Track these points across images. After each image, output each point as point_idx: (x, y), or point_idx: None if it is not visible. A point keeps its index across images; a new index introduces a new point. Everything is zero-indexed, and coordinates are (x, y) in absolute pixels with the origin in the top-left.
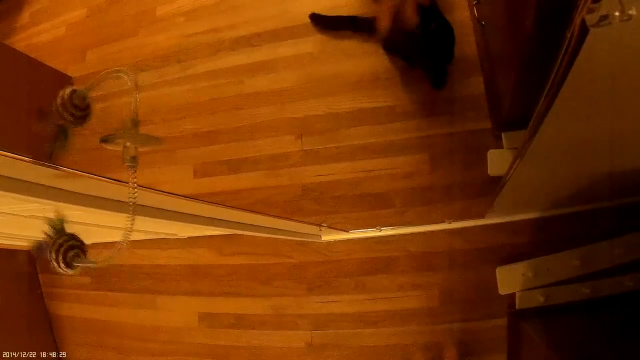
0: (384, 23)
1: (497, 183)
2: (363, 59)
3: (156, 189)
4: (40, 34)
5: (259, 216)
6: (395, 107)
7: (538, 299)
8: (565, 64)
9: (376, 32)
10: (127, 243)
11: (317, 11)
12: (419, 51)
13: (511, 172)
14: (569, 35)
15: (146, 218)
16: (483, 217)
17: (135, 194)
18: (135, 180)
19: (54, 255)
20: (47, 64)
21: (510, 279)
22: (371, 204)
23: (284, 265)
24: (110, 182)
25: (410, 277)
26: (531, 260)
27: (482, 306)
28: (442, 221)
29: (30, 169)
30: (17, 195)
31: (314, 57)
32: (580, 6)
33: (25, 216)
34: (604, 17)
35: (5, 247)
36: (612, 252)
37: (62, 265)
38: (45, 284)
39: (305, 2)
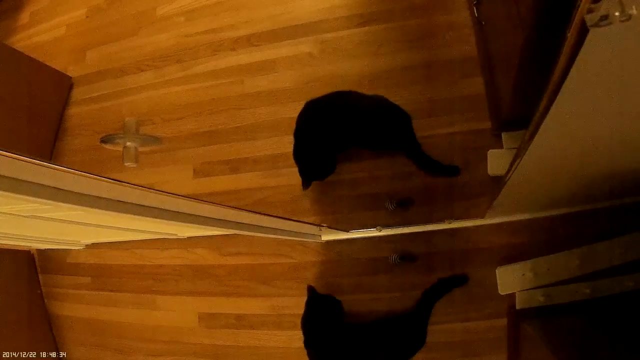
0: None
1: (497, 183)
2: (363, 59)
3: (156, 189)
4: (40, 34)
5: (259, 216)
6: None
7: (538, 299)
8: (565, 64)
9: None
10: None
11: (315, 11)
12: None
13: (511, 172)
14: (569, 35)
15: (146, 218)
16: (483, 217)
17: None
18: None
19: None
20: (47, 64)
21: (510, 279)
22: (371, 204)
23: (284, 265)
24: (110, 182)
25: (410, 277)
26: (531, 260)
27: (482, 306)
28: (442, 221)
29: (30, 169)
30: (17, 195)
31: (314, 57)
32: (580, 6)
33: (25, 216)
34: (604, 17)
35: (5, 247)
36: (612, 252)
37: None
38: (45, 284)
39: (305, 2)
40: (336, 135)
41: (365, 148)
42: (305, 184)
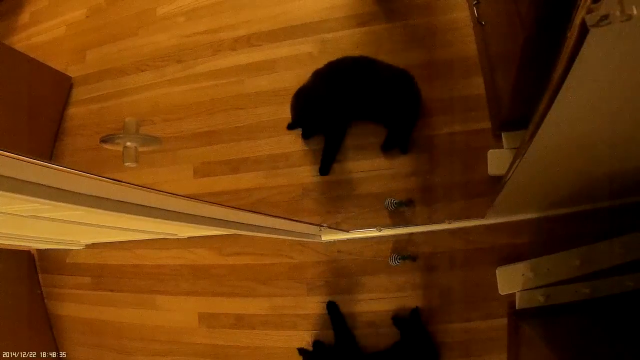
0: None
1: (497, 183)
2: None
3: (156, 189)
4: (40, 34)
5: (259, 216)
6: None
7: (538, 299)
8: (565, 64)
9: None
10: None
11: (315, 11)
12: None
13: (511, 172)
14: (569, 35)
15: (146, 218)
16: (483, 217)
17: None
18: None
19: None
20: (47, 64)
21: (510, 279)
22: (371, 204)
23: (284, 265)
24: (110, 182)
25: (410, 277)
26: (531, 260)
27: (482, 306)
28: (442, 221)
29: (30, 169)
30: (17, 195)
31: (314, 57)
32: (580, 6)
33: (25, 216)
34: (604, 17)
35: (5, 247)
36: (612, 252)
37: None
38: (45, 284)
39: (305, 2)
40: (347, 93)
41: (368, 115)
42: (294, 126)
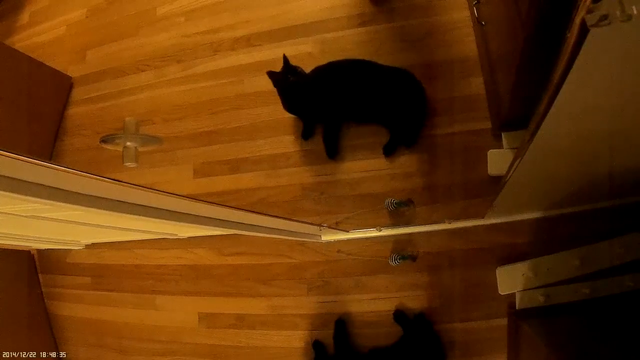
0: None
1: (497, 183)
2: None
3: (156, 189)
4: (40, 34)
5: (259, 216)
6: None
7: (538, 299)
8: (565, 64)
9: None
10: None
11: (315, 11)
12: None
13: (511, 172)
14: (569, 35)
15: (146, 218)
16: (483, 217)
17: None
18: None
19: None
20: (47, 64)
21: (510, 279)
22: (371, 204)
23: (284, 265)
24: (110, 182)
25: (410, 277)
26: (531, 260)
27: (482, 306)
28: (442, 221)
29: (30, 169)
30: (17, 195)
31: (314, 57)
32: (580, 6)
33: (25, 216)
34: (604, 17)
35: (5, 247)
36: (612, 252)
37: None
38: (45, 284)
39: (305, 2)
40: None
41: (372, 117)
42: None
